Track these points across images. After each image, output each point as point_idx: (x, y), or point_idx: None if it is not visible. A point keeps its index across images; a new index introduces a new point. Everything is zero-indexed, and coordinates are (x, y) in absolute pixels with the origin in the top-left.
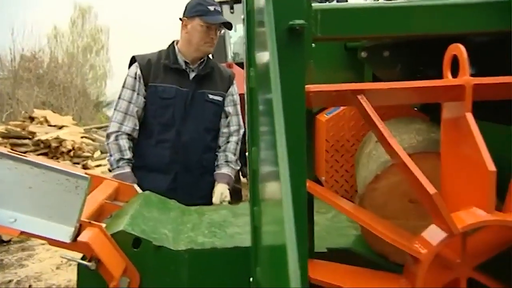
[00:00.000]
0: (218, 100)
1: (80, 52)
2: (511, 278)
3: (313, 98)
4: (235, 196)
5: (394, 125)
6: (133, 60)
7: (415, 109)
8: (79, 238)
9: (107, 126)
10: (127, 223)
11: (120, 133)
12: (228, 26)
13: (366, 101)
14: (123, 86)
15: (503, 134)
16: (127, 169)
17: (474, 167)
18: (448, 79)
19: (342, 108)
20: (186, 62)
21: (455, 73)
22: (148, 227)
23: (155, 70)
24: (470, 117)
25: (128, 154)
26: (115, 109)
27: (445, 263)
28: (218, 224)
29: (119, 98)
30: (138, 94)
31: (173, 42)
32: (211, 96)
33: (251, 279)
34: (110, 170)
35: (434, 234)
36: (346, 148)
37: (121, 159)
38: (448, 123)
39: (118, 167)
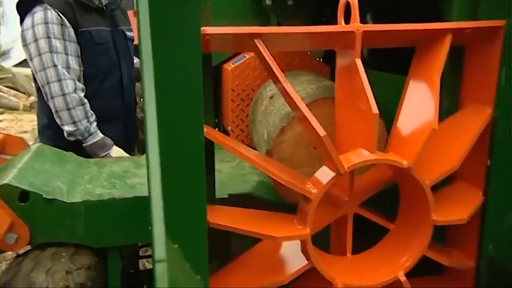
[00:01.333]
0: (133, 36)
1: None
2: (391, 212)
3: (210, 42)
4: (141, 147)
5: (287, 78)
6: (33, 2)
7: (318, 59)
8: None
9: (2, 79)
10: (13, 176)
11: (79, 89)
12: None
13: (263, 46)
14: (48, 37)
15: (393, 83)
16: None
17: (362, 111)
18: (340, 26)
19: (248, 56)
20: None
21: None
22: (39, 180)
23: (78, 12)
24: (359, 62)
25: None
26: (55, 66)
27: (334, 201)
28: (119, 175)
29: (51, 52)
30: (71, 41)
31: None
32: (128, 34)
33: (149, 227)
34: (70, 137)
35: (324, 174)
36: (251, 98)
37: (94, 121)
38: (341, 70)
39: (95, 132)
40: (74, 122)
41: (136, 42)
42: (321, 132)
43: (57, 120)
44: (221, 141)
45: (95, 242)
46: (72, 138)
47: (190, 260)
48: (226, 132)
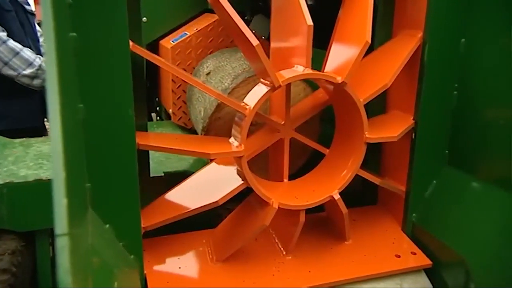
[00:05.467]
0: (32, 10)
1: None
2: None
3: None
4: None
5: (221, 56)
6: None
7: (263, 37)
8: None
9: None
10: None
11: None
12: None
13: None
14: None
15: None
16: None
17: (296, 25)
18: None
19: (189, 34)
20: None
21: None
22: None
23: None
24: None
25: None
26: None
27: (272, 126)
28: (47, 156)
29: None
30: None
31: None
32: (27, 7)
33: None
34: (36, 80)
35: (258, 90)
36: None
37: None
38: None
39: None
40: (30, 64)
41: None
42: (254, 41)
43: (12, 73)
44: (149, 56)
45: (20, 226)
46: (38, 82)
47: (123, 239)
48: (167, 115)
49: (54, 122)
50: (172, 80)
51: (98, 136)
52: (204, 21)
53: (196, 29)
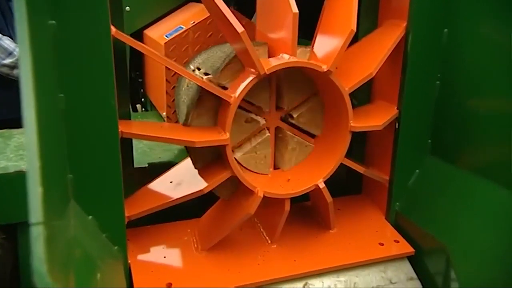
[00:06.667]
0: None
1: None
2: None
3: None
4: None
5: (209, 50)
6: None
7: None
8: None
9: None
10: None
11: None
12: None
13: None
14: None
15: None
16: None
17: (282, 13)
18: None
19: (185, 28)
20: None
21: None
22: None
23: None
24: None
25: None
26: None
27: (256, 113)
28: None
29: None
30: None
31: None
32: None
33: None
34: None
35: (243, 79)
36: None
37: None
38: None
39: None
40: (10, 53)
41: None
42: (239, 28)
43: None
44: (134, 43)
45: (0, 218)
46: (18, 72)
47: (106, 230)
48: (153, 108)
49: (27, 111)
50: (167, 80)
51: (80, 126)
52: (202, 14)
53: (193, 22)
